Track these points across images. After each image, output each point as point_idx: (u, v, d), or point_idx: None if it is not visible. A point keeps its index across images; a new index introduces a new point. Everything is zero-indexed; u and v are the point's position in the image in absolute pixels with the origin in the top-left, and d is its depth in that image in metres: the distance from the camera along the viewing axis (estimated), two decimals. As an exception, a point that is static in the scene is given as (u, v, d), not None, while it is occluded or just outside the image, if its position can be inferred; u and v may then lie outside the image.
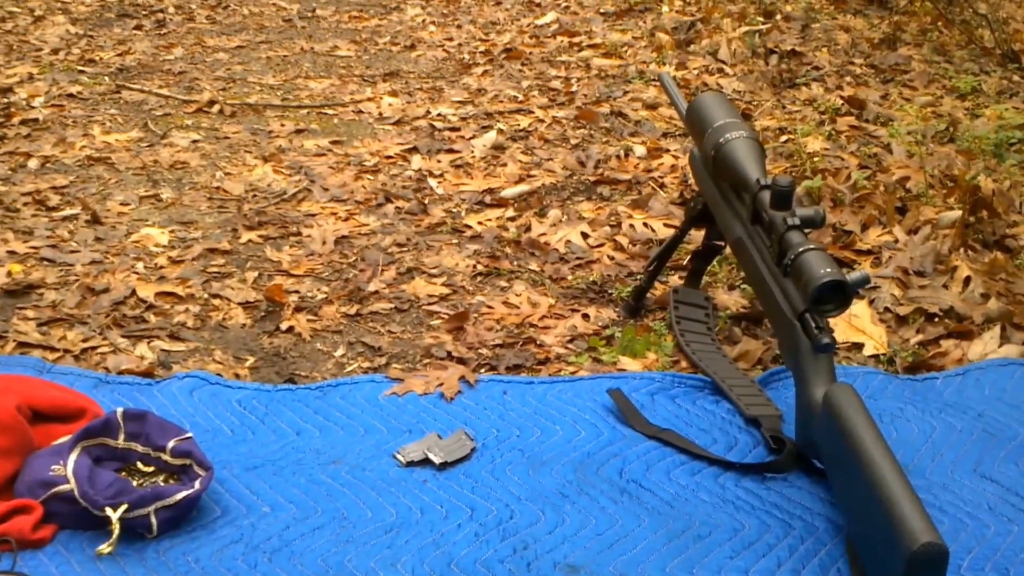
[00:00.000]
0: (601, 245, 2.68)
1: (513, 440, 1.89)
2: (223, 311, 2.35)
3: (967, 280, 2.42)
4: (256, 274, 2.50)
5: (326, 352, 2.23)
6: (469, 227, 2.78)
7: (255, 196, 2.95)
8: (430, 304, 2.41)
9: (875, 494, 1.49)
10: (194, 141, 3.34)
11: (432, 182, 3.06)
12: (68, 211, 2.80)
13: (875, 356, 2.22)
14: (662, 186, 3.04)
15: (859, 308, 2.32)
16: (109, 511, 1.58)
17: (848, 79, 3.96)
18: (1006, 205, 2.75)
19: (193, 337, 2.26)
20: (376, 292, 2.45)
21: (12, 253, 2.55)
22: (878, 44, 4.36)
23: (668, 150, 3.30)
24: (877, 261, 2.55)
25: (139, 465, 1.72)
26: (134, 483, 1.68)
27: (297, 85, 3.94)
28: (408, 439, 1.88)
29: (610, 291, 2.47)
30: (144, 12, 4.82)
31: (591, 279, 2.52)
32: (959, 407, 2.00)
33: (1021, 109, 3.57)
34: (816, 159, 3.12)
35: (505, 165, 3.18)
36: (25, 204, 2.83)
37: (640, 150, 3.29)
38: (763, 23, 4.58)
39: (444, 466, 1.80)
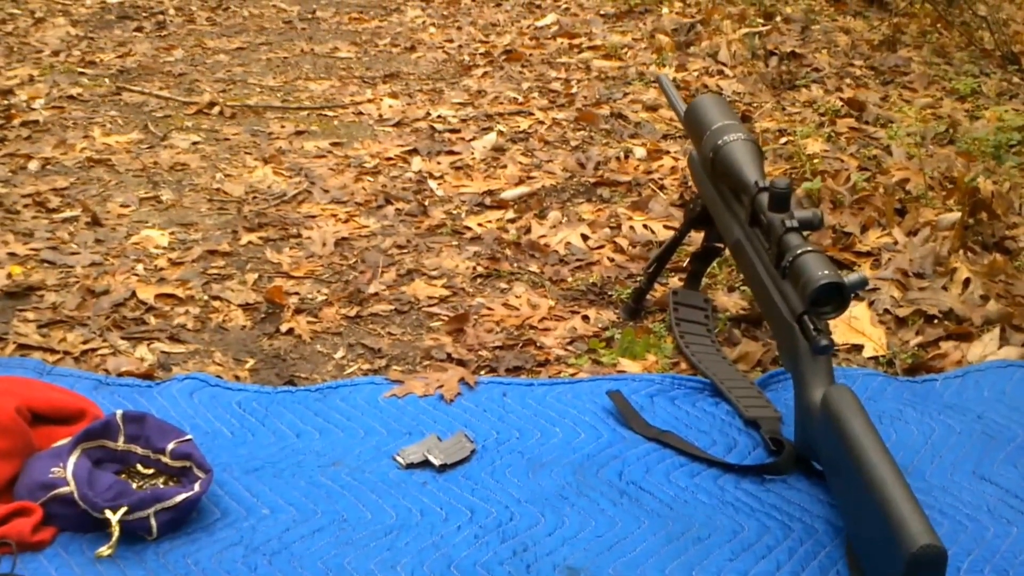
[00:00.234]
0: (601, 247, 2.68)
1: (513, 442, 1.89)
2: (223, 313, 2.36)
3: (966, 282, 2.42)
4: (256, 276, 2.51)
5: (326, 354, 2.23)
6: (469, 229, 2.78)
7: (255, 198, 2.95)
8: (430, 306, 2.41)
9: (874, 496, 1.49)
10: (194, 143, 3.34)
11: (432, 184, 3.06)
12: (68, 213, 2.81)
13: (874, 358, 2.22)
14: (662, 188, 3.05)
15: (858, 310, 2.32)
16: (109, 513, 1.59)
17: (848, 81, 3.97)
18: (1005, 207, 2.75)
19: (193, 339, 2.26)
20: (376, 294, 2.45)
21: (12, 255, 2.55)
22: (878, 46, 4.36)
23: (668, 152, 3.30)
24: (876, 263, 2.56)
25: (139, 467, 1.72)
26: (134, 485, 1.68)
27: (297, 87, 3.94)
28: (408, 441, 1.88)
29: (610, 293, 2.47)
30: (144, 14, 4.82)
31: (591, 281, 2.52)
32: (958, 409, 2.00)
33: (1021, 111, 3.57)
34: (816, 161, 3.12)
35: (505, 167, 3.18)
36: (25, 206, 2.83)
37: (640, 152, 3.30)
38: (763, 25, 4.59)
39: (444, 468, 1.81)
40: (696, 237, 2.34)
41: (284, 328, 2.30)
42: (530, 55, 4.33)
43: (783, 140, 3.38)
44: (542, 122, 3.58)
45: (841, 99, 3.71)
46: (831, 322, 1.79)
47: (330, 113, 3.67)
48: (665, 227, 2.76)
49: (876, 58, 4.22)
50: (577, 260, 2.62)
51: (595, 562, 1.60)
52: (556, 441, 1.90)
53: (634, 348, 2.21)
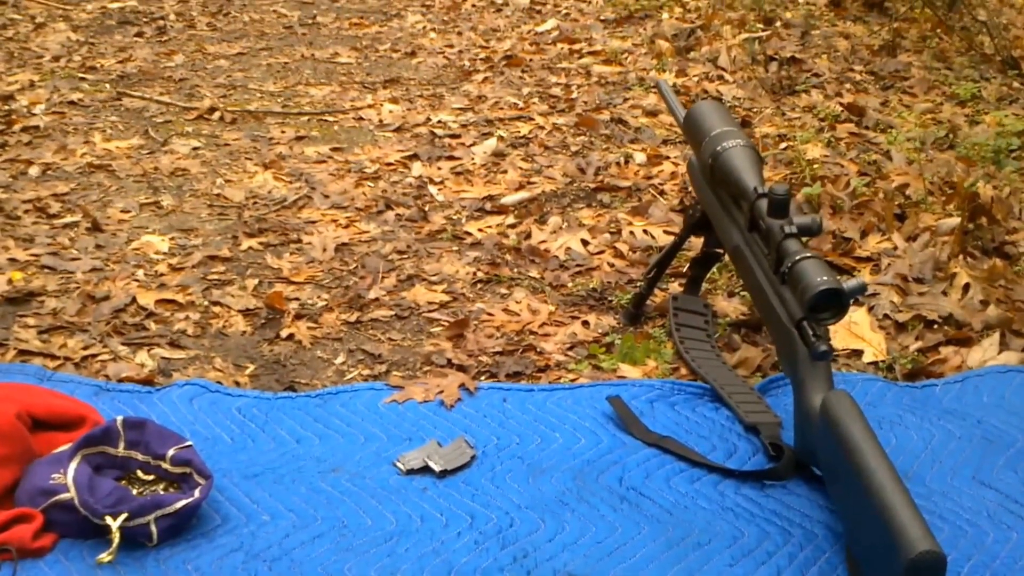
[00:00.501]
0: (601, 252, 2.69)
1: (513, 448, 1.89)
2: (223, 318, 2.36)
3: (966, 287, 2.42)
4: (256, 281, 2.51)
5: (326, 360, 2.23)
6: (469, 234, 2.78)
7: (255, 203, 2.95)
8: (430, 311, 2.41)
9: (873, 501, 1.49)
10: (195, 148, 3.35)
11: (432, 189, 3.07)
12: (69, 218, 2.81)
13: (874, 363, 2.22)
14: (662, 193, 3.05)
15: (858, 315, 2.32)
16: (109, 520, 1.59)
17: (848, 86, 3.97)
18: (1005, 212, 2.76)
19: (193, 345, 2.26)
20: (376, 299, 2.45)
21: (13, 260, 2.56)
22: (878, 51, 4.36)
23: (668, 157, 3.31)
24: (876, 268, 2.56)
25: (139, 473, 1.73)
26: (134, 491, 1.69)
27: (298, 92, 3.95)
28: (408, 447, 1.88)
29: (610, 298, 2.47)
30: (145, 19, 4.83)
31: (591, 286, 2.53)
32: (958, 414, 2.00)
33: (1021, 116, 3.57)
34: (815, 166, 3.13)
35: (505, 172, 3.19)
36: (26, 211, 2.83)
37: (640, 157, 3.30)
38: (763, 30, 4.59)
39: (444, 474, 1.81)
40: (696, 242, 2.35)
41: (284, 334, 2.30)
42: (530, 60, 4.33)
43: (783, 145, 3.38)
44: (542, 127, 3.58)
45: (841, 104, 3.72)
46: (830, 327, 1.79)
47: (330, 118, 3.67)
48: (665, 232, 2.76)
49: (876, 63, 4.22)
50: (577, 265, 2.62)
51: (595, 568, 1.60)
52: (556, 447, 1.90)
53: (634, 353, 2.21)
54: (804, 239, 1.82)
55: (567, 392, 2.06)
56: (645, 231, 2.77)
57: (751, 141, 2.03)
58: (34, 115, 3.54)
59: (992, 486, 1.80)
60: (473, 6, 5.22)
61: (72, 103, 3.70)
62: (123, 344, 2.23)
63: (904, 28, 4.65)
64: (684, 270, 2.47)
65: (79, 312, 2.34)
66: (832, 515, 1.71)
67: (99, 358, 2.18)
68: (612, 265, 2.62)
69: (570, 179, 3.14)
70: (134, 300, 2.40)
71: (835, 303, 1.73)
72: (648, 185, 3.10)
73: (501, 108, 3.77)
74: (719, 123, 2.06)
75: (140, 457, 1.73)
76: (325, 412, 1.98)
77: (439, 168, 3.22)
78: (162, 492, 1.70)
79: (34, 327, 2.27)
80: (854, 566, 1.57)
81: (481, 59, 4.38)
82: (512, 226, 2.83)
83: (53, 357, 2.16)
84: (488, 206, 2.96)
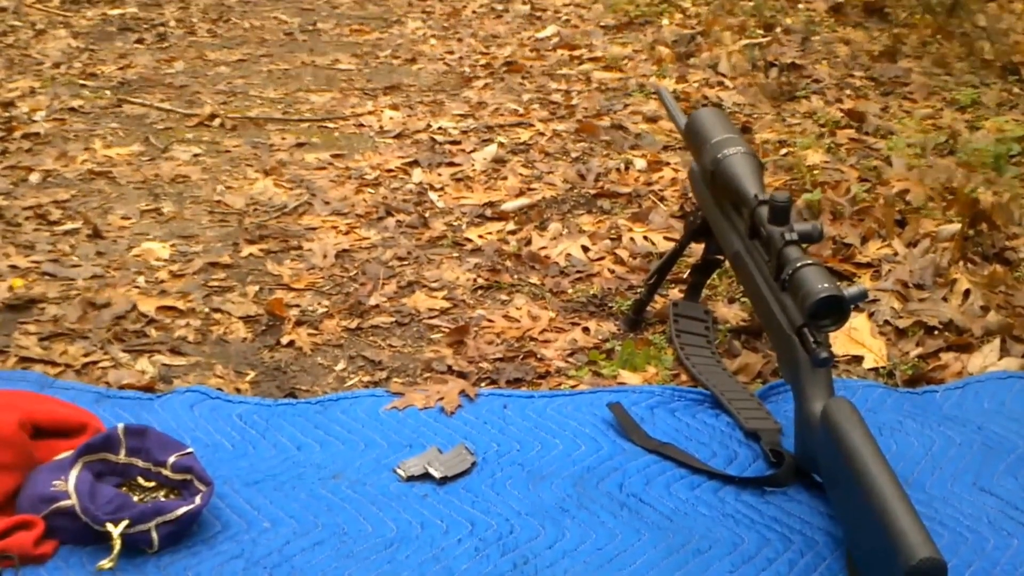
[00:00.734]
0: (601, 258, 2.69)
1: (513, 454, 1.89)
2: (224, 325, 2.36)
3: (967, 293, 2.42)
4: (257, 288, 2.51)
5: (327, 366, 2.23)
6: (470, 240, 2.79)
7: (256, 210, 2.96)
8: (431, 318, 2.41)
9: (874, 508, 1.49)
10: (195, 155, 3.35)
11: (433, 195, 3.07)
12: (69, 225, 2.81)
13: (875, 369, 2.22)
14: (662, 199, 3.05)
15: (859, 321, 2.32)
16: (110, 526, 1.59)
17: (848, 92, 3.97)
18: (1005, 218, 2.76)
19: (194, 351, 2.26)
20: (377, 306, 2.45)
21: (14, 267, 2.56)
22: (878, 56, 4.37)
23: (668, 163, 3.31)
24: (877, 274, 2.56)
25: (140, 480, 1.73)
26: (135, 498, 1.69)
27: (298, 98, 3.95)
28: (408, 453, 1.88)
29: (610, 304, 2.48)
30: (145, 26, 4.83)
31: (591, 292, 2.53)
32: (958, 420, 2.00)
33: (1021, 121, 3.58)
34: (816, 172, 3.13)
35: (506, 178, 3.19)
36: (27, 218, 2.84)
37: (640, 163, 3.30)
38: (763, 36, 4.60)
39: (444, 480, 1.81)
40: (696, 249, 2.35)
41: (285, 340, 2.30)
42: (531, 67, 4.34)
43: (783, 151, 3.38)
44: (542, 133, 3.58)
45: (841, 110, 3.72)
46: (831, 334, 1.79)
47: (331, 125, 3.68)
48: (665, 239, 2.76)
49: (876, 69, 4.22)
50: (577, 272, 2.62)
51: (596, 575, 1.60)
52: (556, 453, 1.90)
53: (634, 360, 2.21)
54: (805, 246, 1.82)
55: (567, 398, 2.06)
56: (645, 237, 2.78)
57: (751, 148, 2.03)
58: (35, 122, 3.55)
59: (993, 492, 1.80)
60: (473, 12, 5.23)
61: (73, 110, 3.71)
62: (124, 351, 2.24)
63: (904, 34, 4.66)
64: (684, 276, 2.47)
65: (80, 319, 2.34)
66: (832, 522, 1.71)
67: (100, 365, 2.18)
68: (612, 271, 2.62)
69: (570, 185, 3.15)
70: (135, 307, 2.40)
71: (836, 310, 1.73)
72: (648, 191, 3.10)
73: (501, 114, 3.77)
74: (720, 130, 2.07)
75: (141, 464, 1.73)
76: (326, 419, 1.98)
77: (439, 174, 3.22)
78: (163, 499, 1.70)
79: (35, 334, 2.27)
80: (855, 573, 1.57)
81: (481, 65, 4.38)
82: (512, 232, 2.84)
83: (54, 364, 2.17)
84: (488, 212, 2.96)
